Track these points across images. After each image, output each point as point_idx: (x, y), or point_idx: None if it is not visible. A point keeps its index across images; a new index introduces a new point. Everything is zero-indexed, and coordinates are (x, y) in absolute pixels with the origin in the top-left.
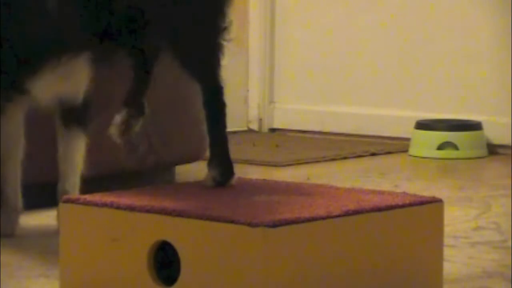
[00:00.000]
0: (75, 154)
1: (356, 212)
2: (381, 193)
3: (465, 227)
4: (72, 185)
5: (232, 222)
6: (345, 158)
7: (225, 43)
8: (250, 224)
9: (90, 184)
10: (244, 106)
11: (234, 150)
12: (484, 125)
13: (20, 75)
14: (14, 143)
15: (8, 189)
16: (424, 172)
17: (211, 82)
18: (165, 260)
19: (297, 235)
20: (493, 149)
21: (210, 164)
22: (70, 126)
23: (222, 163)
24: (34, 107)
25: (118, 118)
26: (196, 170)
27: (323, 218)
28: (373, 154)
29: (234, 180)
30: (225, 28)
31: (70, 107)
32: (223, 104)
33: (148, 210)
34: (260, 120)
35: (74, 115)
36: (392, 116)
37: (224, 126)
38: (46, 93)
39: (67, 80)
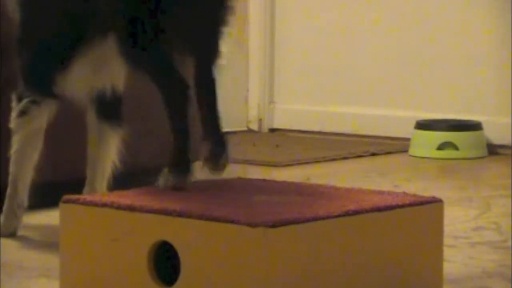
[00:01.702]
0: (108, 152)
1: (356, 212)
2: (381, 193)
3: (465, 227)
4: (99, 188)
5: (232, 222)
6: (345, 158)
7: (225, 28)
8: (250, 224)
9: (113, 181)
10: (244, 106)
11: (234, 150)
12: (484, 125)
13: (49, 78)
14: (32, 143)
15: (19, 186)
16: (424, 172)
17: (204, 58)
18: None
19: (297, 235)
20: (493, 149)
21: (204, 140)
22: (106, 120)
23: (215, 137)
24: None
25: (168, 182)
26: (196, 170)
27: (323, 218)
28: (373, 154)
29: (229, 154)
30: (230, 6)
31: (106, 101)
32: (213, 80)
33: (148, 210)
34: (260, 120)
35: (111, 109)
36: (392, 116)
37: (215, 100)
38: (81, 86)
39: (104, 72)
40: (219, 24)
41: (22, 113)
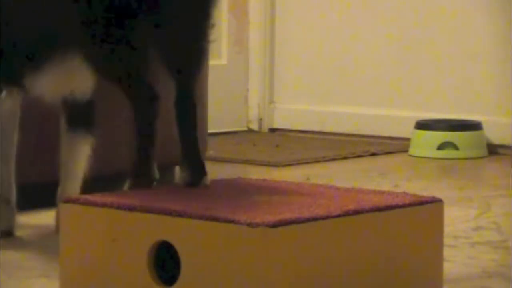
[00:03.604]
0: (78, 157)
1: (356, 212)
2: (381, 193)
3: (465, 227)
4: (72, 190)
5: (232, 222)
6: (345, 158)
7: (208, 44)
8: (250, 224)
9: (90, 184)
10: (244, 106)
11: (234, 150)
12: (484, 125)
13: (17, 68)
14: (5, 134)
15: (1, 183)
16: (424, 172)
17: (184, 82)
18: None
19: (297, 235)
20: (493, 149)
21: (181, 165)
22: (75, 128)
23: (193, 164)
24: (36, 107)
25: (125, 187)
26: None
27: (323, 218)
28: (373, 154)
29: (207, 181)
30: (207, 30)
31: (76, 108)
32: (194, 105)
33: (148, 210)
34: (260, 120)
35: (80, 116)
36: (392, 116)
37: (195, 126)
38: (50, 89)
39: (73, 77)
40: (201, 44)
41: None
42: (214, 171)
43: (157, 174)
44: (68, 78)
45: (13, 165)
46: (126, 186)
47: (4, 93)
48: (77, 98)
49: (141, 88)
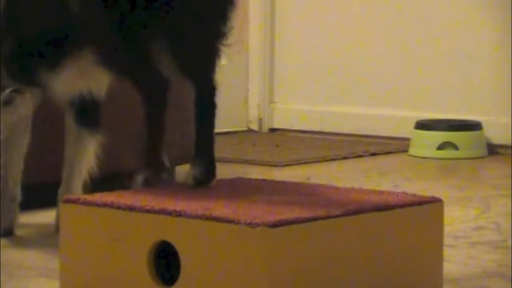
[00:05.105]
0: (85, 155)
1: (356, 212)
2: (381, 193)
3: (465, 227)
4: (74, 189)
5: (232, 222)
6: (345, 158)
7: (224, 47)
8: (250, 224)
9: (90, 184)
10: (244, 106)
11: (234, 150)
12: (484, 125)
13: (35, 68)
14: (19, 134)
15: (9, 178)
16: (424, 172)
17: (204, 82)
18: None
19: (297, 235)
20: (493, 149)
21: (193, 162)
22: (84, 125)
23: (205, 163)
24: (37, 107)
25: (139, 179)
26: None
27: (323, 218)
28: (373, 154)
29: (214, 183)
30: (225, 33)
31: (86, 105)
32: (214, 105)
33: (148, 210)
34: (260, 120)
35: (90, 114)
36: (392, 116)
37: (212, 126)
38: (66, 88)
39: (89, 75)
40: (218, 45)
41: (6, 103)
42: None
43: (167, 163)
44: (85, 76)
45: (22, 165)
46: (138, 179)
47: (27, 94)
48: (93, 96)
49: (151, 80)
